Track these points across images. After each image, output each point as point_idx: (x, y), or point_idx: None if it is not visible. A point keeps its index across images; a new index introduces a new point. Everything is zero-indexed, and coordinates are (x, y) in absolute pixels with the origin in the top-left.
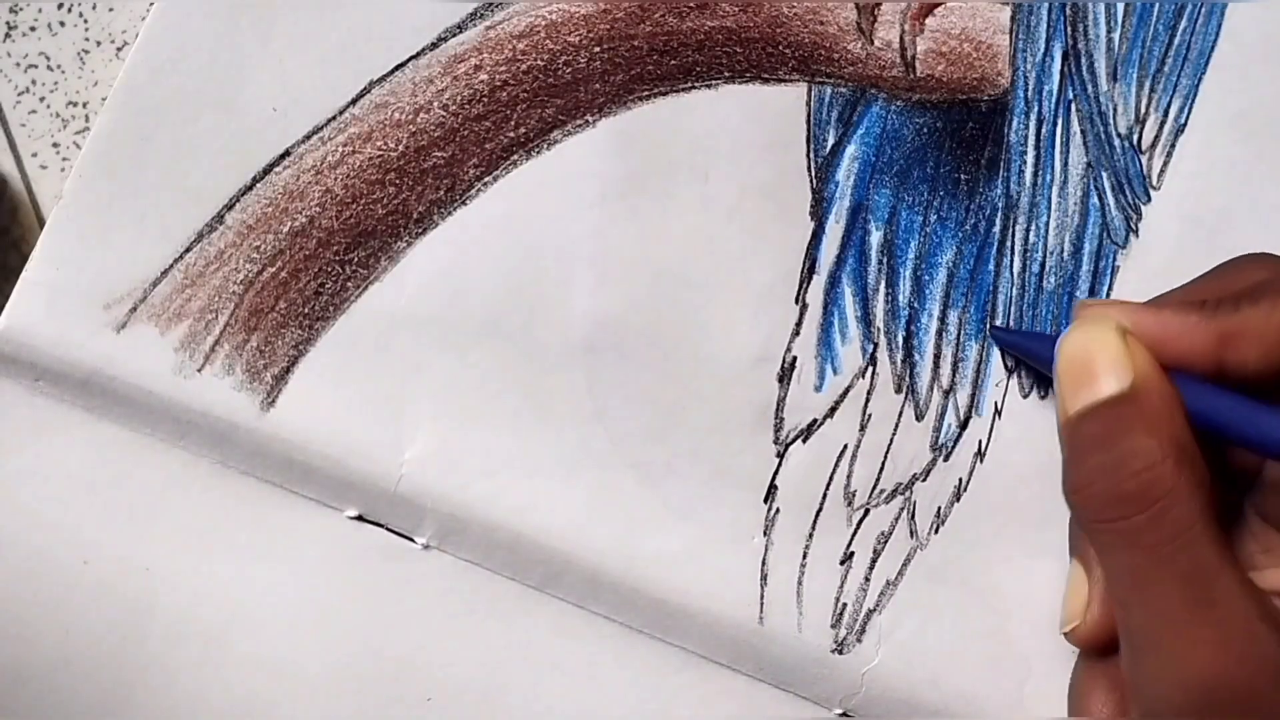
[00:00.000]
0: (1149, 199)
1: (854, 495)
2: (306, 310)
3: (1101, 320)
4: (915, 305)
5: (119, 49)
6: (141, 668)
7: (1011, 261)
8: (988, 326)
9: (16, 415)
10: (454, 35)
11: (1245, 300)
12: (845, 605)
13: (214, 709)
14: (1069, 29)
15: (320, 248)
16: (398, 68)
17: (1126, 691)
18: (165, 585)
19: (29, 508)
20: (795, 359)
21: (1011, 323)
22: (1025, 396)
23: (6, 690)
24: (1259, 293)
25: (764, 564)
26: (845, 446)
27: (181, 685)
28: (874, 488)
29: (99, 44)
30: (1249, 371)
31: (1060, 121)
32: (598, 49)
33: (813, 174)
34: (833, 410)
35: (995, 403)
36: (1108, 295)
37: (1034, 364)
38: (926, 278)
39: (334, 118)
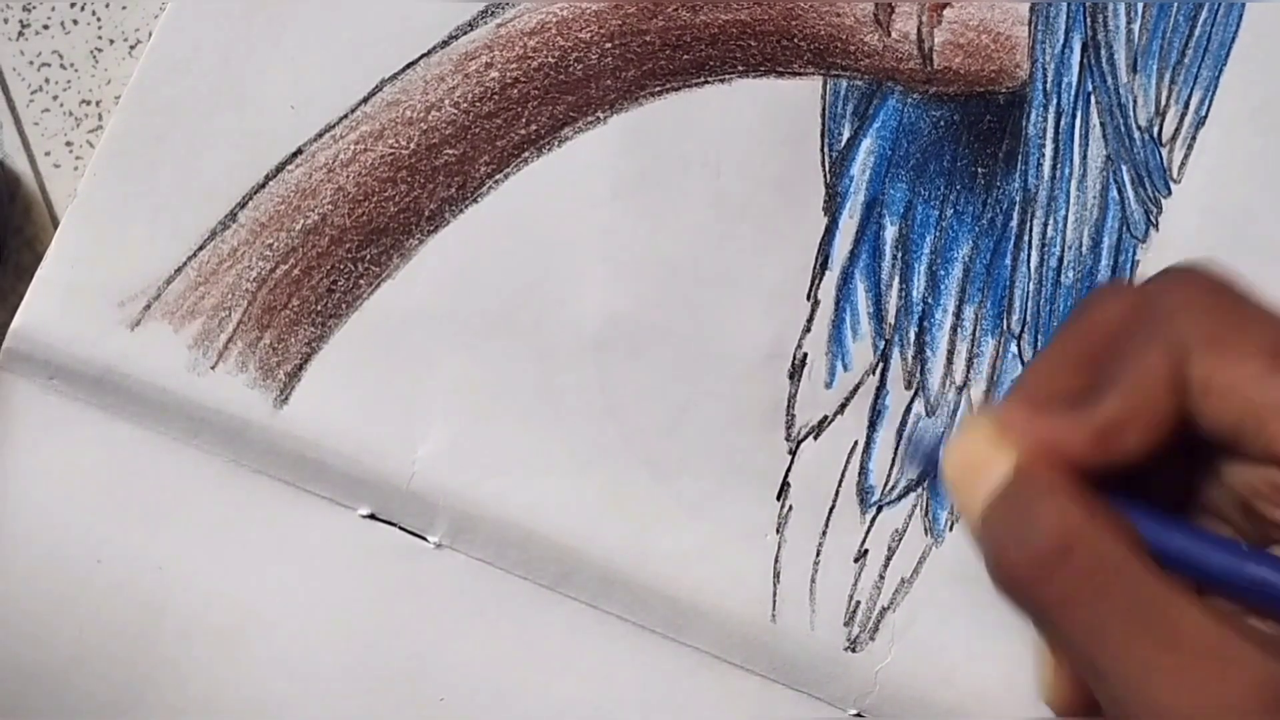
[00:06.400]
0: (1169, 192)
1: (867, 493)
2: (319, 307)
3: (974, 425)
4: (929, 301)
5: (132, 47)
6: (154, 665)
7: (1029, 256)
8: (904, 444)
9: (30, 413)
10: (465, 33)
11: (1108, 387)
12: (859, 603)
13: (226, 707)
14: (1088, 20)
15: (333, 245)
16: (409, 66)
17: None
18: (178, 583)
19: (42, 506)
20: (806, 355)
21: (1028, 318)
22: None
23: (19, 689)
24: (1117, 367)
25: (777, 561)
26: (856, 443)
27: (194, 683)
28: (886, 484)
29: (112, 42)
30: (1136, 458)
31: (1079, 114)
32: (609, 45)
33: (826, 169)
34: (843, 407)
35: None
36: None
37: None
38: (942, 273)
39: (346, 116)
